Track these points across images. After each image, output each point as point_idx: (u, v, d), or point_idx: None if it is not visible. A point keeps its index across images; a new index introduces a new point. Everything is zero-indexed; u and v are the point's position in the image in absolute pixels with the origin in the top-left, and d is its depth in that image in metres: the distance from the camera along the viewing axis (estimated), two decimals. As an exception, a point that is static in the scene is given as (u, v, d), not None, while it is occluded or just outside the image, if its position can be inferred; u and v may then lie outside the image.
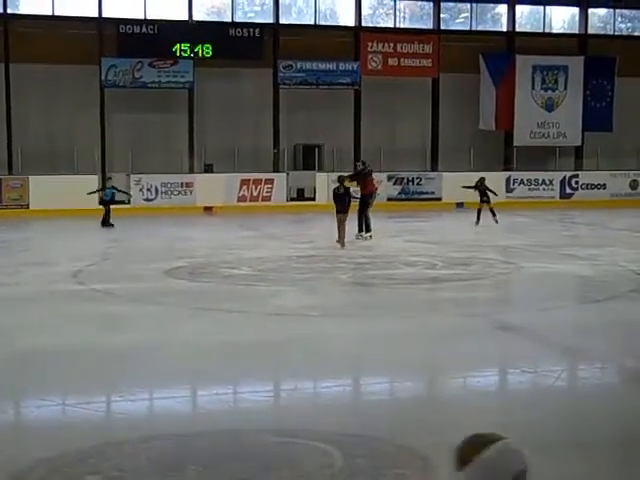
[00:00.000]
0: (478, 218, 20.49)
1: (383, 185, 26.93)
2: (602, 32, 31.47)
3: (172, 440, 5.47)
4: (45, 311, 10.15)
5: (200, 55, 26.51)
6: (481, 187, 21.04)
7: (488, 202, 20.67)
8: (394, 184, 27.16)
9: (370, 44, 28.20)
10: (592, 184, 28.39)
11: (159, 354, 7.95)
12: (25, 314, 9.93)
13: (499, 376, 7.91)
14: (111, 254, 16.17)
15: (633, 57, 29.96)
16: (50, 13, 25.77)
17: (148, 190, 25.16)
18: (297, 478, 4.79)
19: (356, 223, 17.59)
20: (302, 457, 5.13)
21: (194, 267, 13.56)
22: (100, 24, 26.08)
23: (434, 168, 28.79)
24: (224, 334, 8.78)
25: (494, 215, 20.29)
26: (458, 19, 30.44)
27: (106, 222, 20.43)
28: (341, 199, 16.71)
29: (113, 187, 21.41)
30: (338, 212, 16.54)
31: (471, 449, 2.38)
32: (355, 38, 28.36)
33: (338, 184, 17.09)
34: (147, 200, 25.10)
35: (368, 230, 17.67)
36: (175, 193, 25.43)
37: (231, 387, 6.97)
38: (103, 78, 25.98)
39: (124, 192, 23.00)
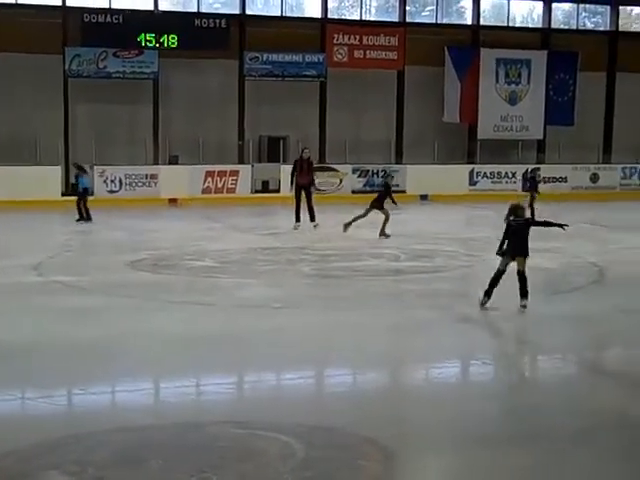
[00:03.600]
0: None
1: (348, 177, 27.03)
2: (565, 27, 31.80)
3: (134, 433, 5.48)
4: (4, 304, 10.05)
5: (165, 45, 26.34)
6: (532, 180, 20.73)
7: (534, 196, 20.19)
8: (359, 176, 27.24)
9: (336, 36, 28.23)
10: (554, 177, 28.70)
11: (122, 347, 7.93)
12: (-15, 307, 9.85)
13: (460, 368, 7.99)
14: (73, 246, 16.04)
15: (595, 52, 30.34)
16: (13, 1, 25.46)
17: (112, 182, 24.96)
18: (259, 469, 4.82)
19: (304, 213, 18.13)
20: (264, 449, 5.17)
21: (158, 259, 13.52)
22: (64, 13, 25.81)
23: (399, 160, 28.92)
24: (187, 326, 8.78)
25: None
26: (424, 12, 30.57)
27: (87, 215, 19.26)
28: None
29: (84, 173, 20.08)
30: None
31: None
32: (321, 30, 28.37)
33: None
34: (111, 192, 24.91)
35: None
36: (139, 185, 25.26)
37: (194, 379, 6.99)
38: (67, 68, 25.73)
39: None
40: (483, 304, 9.47)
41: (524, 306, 9.47)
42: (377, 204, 16.76)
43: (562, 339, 8.43)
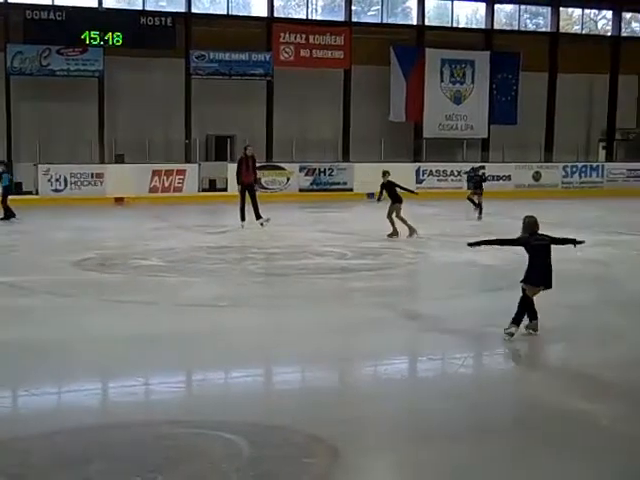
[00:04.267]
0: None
1: (295, 176, 27.09)
2: (508, 28, 32.30)
3: (78, 434, 5.44)
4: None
5: (110, 43, 26.09)
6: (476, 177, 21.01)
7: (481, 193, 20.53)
8: (306, 175, 27.34)
9: (282, 35, 28.27)
10: (498, 176, 29.14)
11: (67, 347, 7.86)
12: None
13: (406, 365, 8.07)
14: (17, 246, 15.80)
15: (537, 53, 30.88)
16: (-48, -3, 25.01)
17: (57, 181, 24.66)
18: (205, 469, 4.83)
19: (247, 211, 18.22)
20: (210, 448, 5.18)
21: (104, 258, 13.40)
22: (6, 9, 25.42)
23: (345, 159, 29.08)
24: (133, 325, 8.73)
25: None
26: (370, 12, 30.80)
27: (9, 213, 19.29)
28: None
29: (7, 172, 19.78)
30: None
31: None
32: (267, 29, 28.39)
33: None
34: (56, 191, 24.61)
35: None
36: (85, 184, 25.00)
37: (139, 379, 6.96)
38: (9, 65, 25.34)
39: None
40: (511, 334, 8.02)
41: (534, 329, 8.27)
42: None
43: (504, 334, 8.55)
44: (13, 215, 19.30)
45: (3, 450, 5.12)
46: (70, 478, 4.71)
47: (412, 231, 16.20)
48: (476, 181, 21.19)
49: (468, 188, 21.28)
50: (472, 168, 22.06)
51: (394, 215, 16.14)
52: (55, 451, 5.11)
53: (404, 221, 16.19)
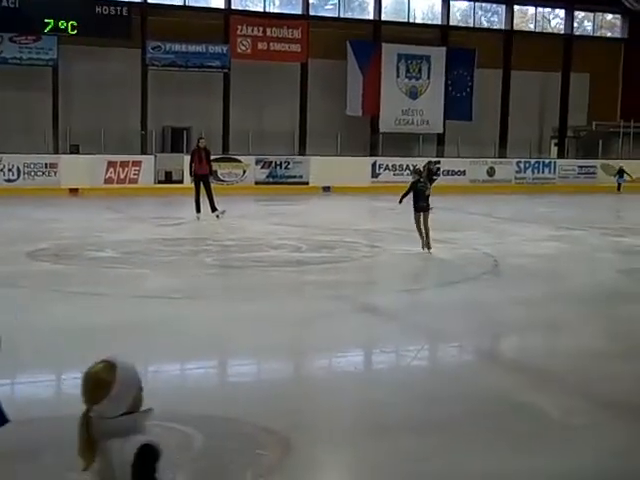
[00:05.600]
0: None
1: (251, 168, 27.06)
2: (463, 24, 32.59)
3: (29, 426, 5.41)
4: None
5: (64, 32, 25.76)
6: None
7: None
8: (262, 167, 27.32)
9: (240, 27, 28.18)
10: (453, 170, 29.41)
11: (19, 338, 7.79)
12: None
13: (361, 357, 8.15)
14: (-32, 236, 15.59)
15: (491, 49, 31.20)
16: None
17: (10, 170, 24.32)
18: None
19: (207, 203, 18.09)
20: (164, 439, 5.17)
21: (58, 249, 13.29)
22: (-43, -4, 24.95)
23: (302, 152, 29.10)
24: (87, 316, 8.69)
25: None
26: (327, 5, 30.83)
27: None
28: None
29: None
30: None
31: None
32: (225, 21, 28.27)
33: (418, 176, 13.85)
34: (8, 181, 24.27)
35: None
36: (39, 174, 24.70)
37: (92, 371, 6.93)
38: (-40, 53, 24.90)
39: None
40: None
41: None
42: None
43: (456, 327, 8.68)
44: None
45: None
46: (20, 471, 4.69)
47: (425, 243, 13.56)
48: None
49: None
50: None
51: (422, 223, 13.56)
52: (5, 443, 5.07)
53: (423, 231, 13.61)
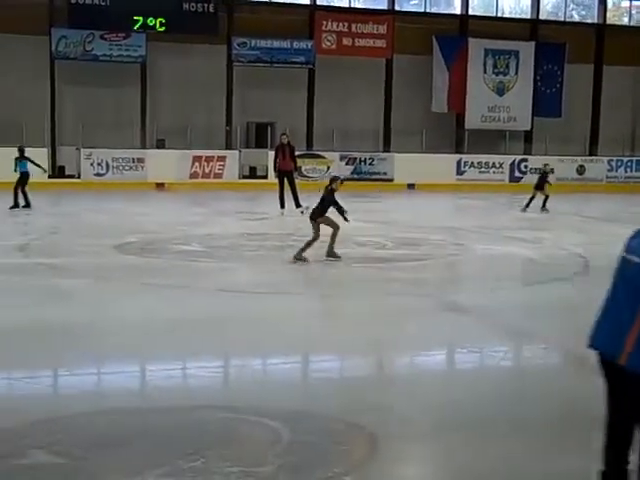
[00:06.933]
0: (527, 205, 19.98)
1: (335, 165, 27.02)
2: (553, 18, 31.84)
3: (119, 415, 5.46)
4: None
5: (153, 29, 26.20)
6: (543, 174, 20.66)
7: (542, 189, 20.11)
8: (346, 164, 27.26)
9: (325, 23, 28.17)
10: (540, 168, 28.77)
11: (106, 329, 7.90)
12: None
13: (446, 356, 8.01)
14: (59, 229, 15.96)
15: (583, 44, 30.42)
16: (-1, -19, 25.26)
17: (99, 165, 24.87)
18: (245, 453, 4.82)
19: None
20: (250, 433, 5.17)
21: (144, 243, 13.48)
22: (51, -7, 25.63)
23: (386, 149, 28.93)
24: (172, 310, 8.76)
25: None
26: (412, 0, 30.55)
27: (26, 201, 18.07)
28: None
29: (26, 158, 18.59)
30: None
31: None
32: (310, 17, 28.30)
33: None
34: (98, 175, 24.83)
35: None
36: (126, 168, 25.19)
37: (179, 363, 6.97)
38: (53, 49, 25.57)
39: (38, 165, 19.50)
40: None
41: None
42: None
43: (544, 328, 8.46)
44: (17, 206, 18.04)
45: (47, 428, 5.15)
46: (112, 458, 4.72)
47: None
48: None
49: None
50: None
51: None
52: (96, 431, 5.13)
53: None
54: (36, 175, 19.99)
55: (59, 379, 6.59)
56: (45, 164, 22.11)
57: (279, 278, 11.00)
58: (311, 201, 18.48)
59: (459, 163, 28.36)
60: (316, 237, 11.67)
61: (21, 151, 18.86)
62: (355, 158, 27.42)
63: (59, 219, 17.41)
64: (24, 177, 18.33)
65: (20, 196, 18.12)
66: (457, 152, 29.24)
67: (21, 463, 4.63)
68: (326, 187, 12.06)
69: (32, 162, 18.77)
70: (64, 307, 8.88)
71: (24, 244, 12.92)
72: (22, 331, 7.67)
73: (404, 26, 28.54)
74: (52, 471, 4.58)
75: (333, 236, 11.84)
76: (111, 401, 5.83)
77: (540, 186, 20.23)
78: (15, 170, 18.45)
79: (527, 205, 19.94)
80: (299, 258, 11.62)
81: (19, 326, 7.84)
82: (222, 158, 26.21)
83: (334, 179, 12.15)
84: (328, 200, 11.81)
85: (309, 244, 11.71)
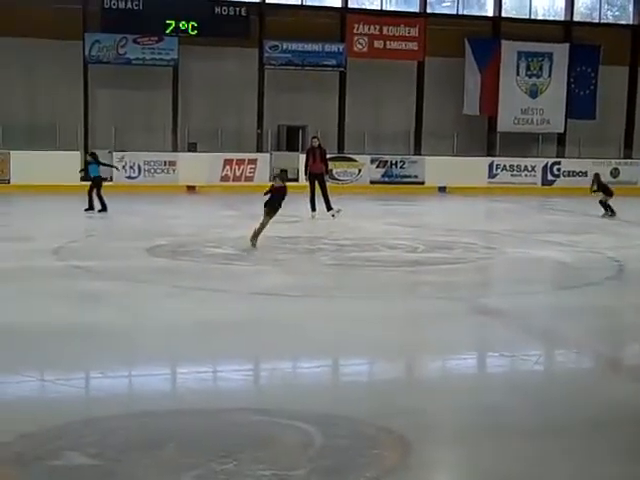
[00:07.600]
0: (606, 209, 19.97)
1: (367, 168, 26.99)
2: (587, 19, 31.53)
3: (152, 417, 5.49)
4: (24, 287, 10.10)
5: (185, 33, 26.37)
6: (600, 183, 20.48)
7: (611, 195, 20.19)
8: (377, 167, 27.22)
9: (356, 26, 28.15)
10: (574, 171, 28.54)
11: (138, 332, 7.95)
12: (3, 290, 9.90)
13: (477, 359, 7.97)
14: (93, 231, 16.12)
15: (617, 46, 30.10)
16: (34, -14, 25.55)
17: (131, 168, 25.06)
18: (277, 456, 4.82)
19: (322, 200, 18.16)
20: (282, 436, 5.17)
21: (176, 245, 13.56)
22: (84, -2, 25.88)
23: (418, 152, 28.84)
24: (204, 313, 8.80)
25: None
26: (444, 3, 30.46)
27: (101, 204, 18.20)
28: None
29: (96, 160, 18.90)
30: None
31: None
32: (341, 19, 28.31)
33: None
34: (130, 178, 25.01)
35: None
36: (158, 171, 25.36)
37: (210, 366, 7.00)
38: (87, 53, 25.83)
39: (110, 165, 20.87)
40: None
41: None
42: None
43: (579, 332, 8.39)
44: (92, 209, 18.33)
45: (81, 430, 5.19)
46: (145, 460, 4.75)
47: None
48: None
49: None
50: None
51: None
52: (130, 434, 5.16)
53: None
54: (71, 178, 20.24)
55: (92, 381, 6.64)
56: (77, 167, 22.32)
57: (310, 281, 11.01)
58: (342, 204, 18.58)
59: (491, 166, 28.20)
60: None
61: (91, 155, 19.27)
62: (386, 161, 27.38)
63: (93, 222, 17.56)
64: (96, 181, 18.61)
65: (95, 199, 18.30)
66: (489, 155, 29.08)
67: (57, 464, 4.67)
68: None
69: (102, 164, 19.20)
70: (97, 310, 8.95)
71: (58, 247, 13.04)
72: (56, 334, 7.75)
73: (436, 28, 28.44)
74: (88, 473, 4.61)
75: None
76: (143, 403, 5.87)
77: (607, 191, 20.16)
78: (85, 174, 19.35)
79: (607, 210, 19.78)
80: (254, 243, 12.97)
81: (52, 328, 7.92)
82: (253, 161, 26.29)
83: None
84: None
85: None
